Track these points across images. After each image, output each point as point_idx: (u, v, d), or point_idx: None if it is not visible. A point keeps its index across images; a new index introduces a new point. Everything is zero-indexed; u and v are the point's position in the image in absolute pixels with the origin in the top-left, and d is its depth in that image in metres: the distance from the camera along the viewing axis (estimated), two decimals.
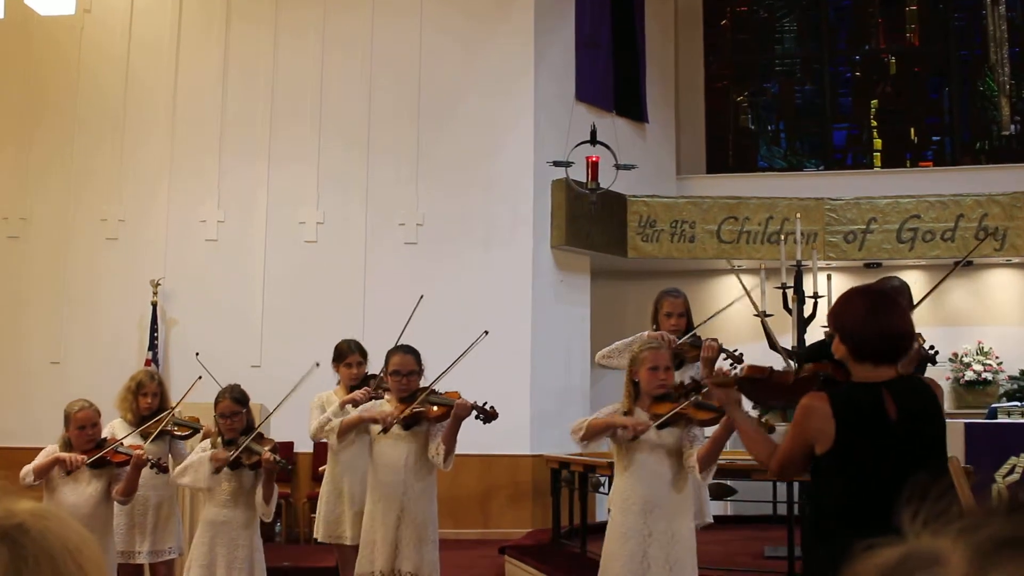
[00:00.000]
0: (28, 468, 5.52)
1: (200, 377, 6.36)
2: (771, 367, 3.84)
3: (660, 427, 4.55)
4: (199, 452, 5.61)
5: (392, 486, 5.23)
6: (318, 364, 6.04)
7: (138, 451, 5.59)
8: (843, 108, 13.96)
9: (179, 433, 6.25)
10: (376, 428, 5.33)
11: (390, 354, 5.49)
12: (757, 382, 3.74)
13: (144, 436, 6.09)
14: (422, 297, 5.52)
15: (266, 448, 5.47)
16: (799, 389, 3.47)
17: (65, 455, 5.51)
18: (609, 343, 6.15)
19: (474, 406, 5.25)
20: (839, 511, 3.24)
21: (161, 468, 5.66)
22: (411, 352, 5.41)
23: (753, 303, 6.08)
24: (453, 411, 5.20)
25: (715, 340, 5.50)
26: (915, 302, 5.25)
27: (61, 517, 1.02)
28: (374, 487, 5.31)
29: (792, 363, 3.98)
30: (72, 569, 0.99)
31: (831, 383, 3.48)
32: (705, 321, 5.92)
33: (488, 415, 5.29)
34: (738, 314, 12.37)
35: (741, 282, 5.62)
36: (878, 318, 3.27)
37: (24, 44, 11.28)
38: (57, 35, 11.24)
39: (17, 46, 11.29)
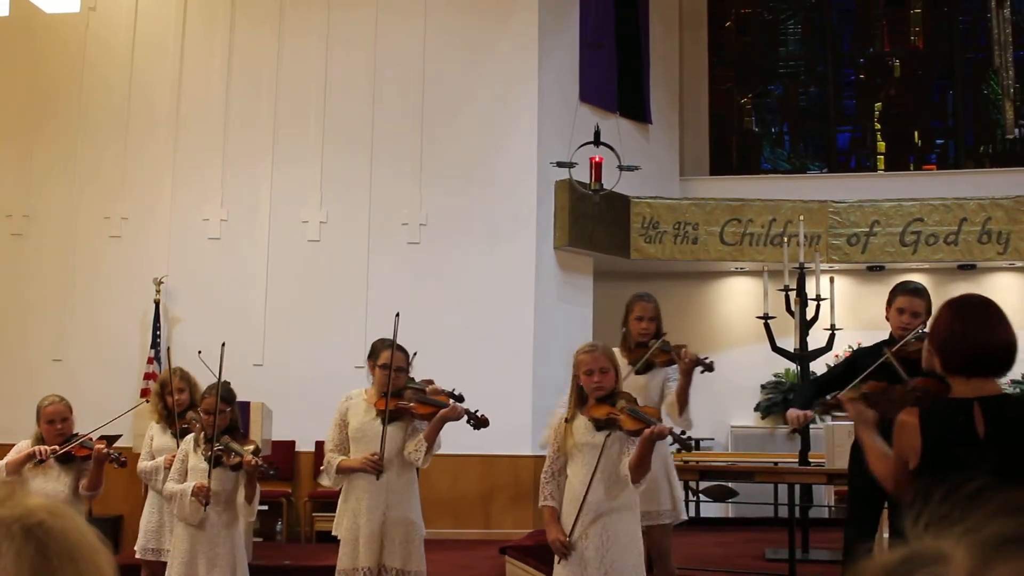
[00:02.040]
0: (0, 464, 5.56)
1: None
2: (886, 383, 3.85)
3: (598, 428, 4.61)
4: (180, 459, 5.61)
5: (376, 483, 5.23)
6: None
7: (99, 445, 5.60)
8: (847, 111, 13.96)
9: None
10: (354, 427, 5.33)
11: (381, 348, 5.47)
12: (876, 396, 3.72)
13: (181, 433, 6.11)
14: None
15: (248, 449, 5.46)
16: (905, 404, 3.44)
17: (36, 447, 5.57)
18: (612, 344, 6.19)
19: (466, 411, 5.24)
20: None
21: (120, 463, 5.67)
22: (403, 351, 5.41)
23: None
24: (443, 413, 5.20)
25: (685, 346, 5.54)
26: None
27: (74, 515, 1.01)
28: (357, 484, 5.30)
29: (905, 376, 3.99)
30: (91, 569, 0.98)
31: (929, 397, 3.44)
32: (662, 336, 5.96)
33: (479, 422, 5.29)
34: (741, 316, 12.39)
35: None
36: (966, 330, 3.18)
37: (29, 41, 11.29)
38: (62, 33, 11.25)
39: (22, 43, 11.30)
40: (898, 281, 5.64)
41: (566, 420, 4.70)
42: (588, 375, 4.67)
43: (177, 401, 6.19)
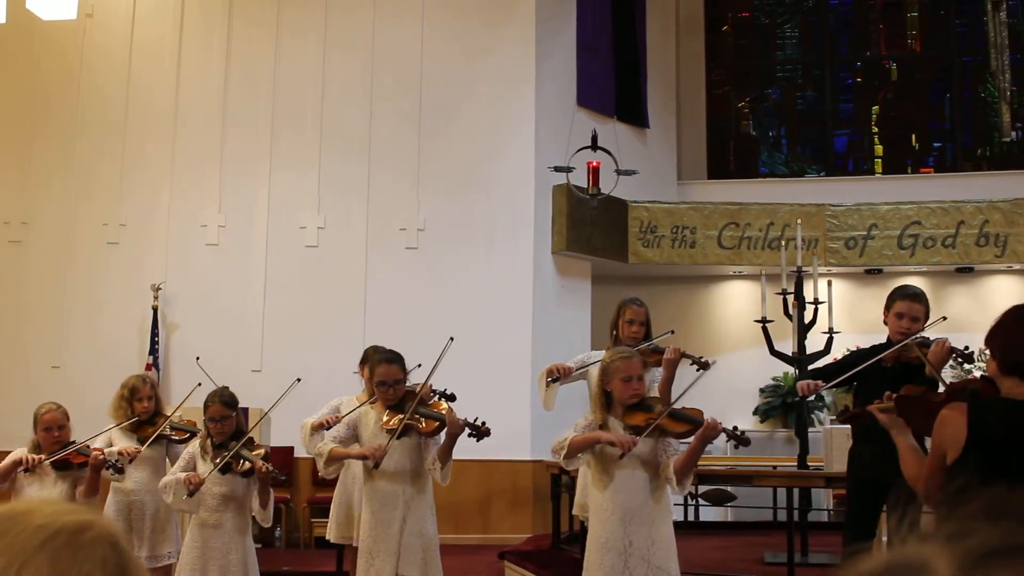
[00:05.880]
0: None
1: (200, 384, 6.35)
2: (926, 388, 3.83)
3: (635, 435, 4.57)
4: (184, 459, 5.57)
5: (391, 495, 5.23)
6: (299, 380, 6.00)
7: (95, 451, 5.59)
8: (844, 114, 13.97)
9: (176, 437, 6.25)
10: (365, 439, 5.32)
11: (375, 364, 5.46)
12: (912, 402, 3.69)
13: (141, 441, 6.10)
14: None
15: (258, 454, 5.43)
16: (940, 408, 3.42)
17: (25, 455, 5.54)
18: (600, 348, 6.25)
19: (465, 423, 5.22)
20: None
21: (117, 469, 5.67)
22: (396, 361, 5.39)
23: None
24: (448, 431, 5.19)
25: (678, 346, 5.59)
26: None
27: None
28: (372, 497, 5.31)
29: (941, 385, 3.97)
30: (136, 568, 1.03)
31: (977, 397, 3.44)
32: (662, 335, 5.99)
33: (480, 432, 5.26)
34: (739, 320, 12.39)
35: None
36: None
37: (26, 48, 11.30)
38: (59, 39, 11.25)
39: (19, 50, 11.30)
40: (896, 285, 5.63)
41: (599, 427, 4.62)
42: (626, 382, 4.57)
43: (146, 408, 6.18)
